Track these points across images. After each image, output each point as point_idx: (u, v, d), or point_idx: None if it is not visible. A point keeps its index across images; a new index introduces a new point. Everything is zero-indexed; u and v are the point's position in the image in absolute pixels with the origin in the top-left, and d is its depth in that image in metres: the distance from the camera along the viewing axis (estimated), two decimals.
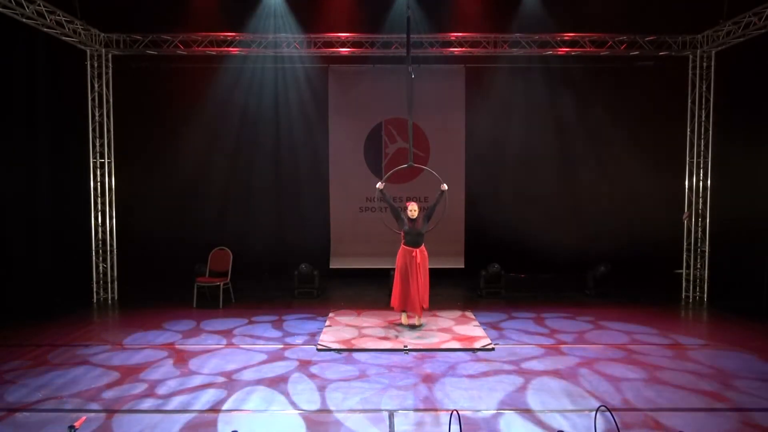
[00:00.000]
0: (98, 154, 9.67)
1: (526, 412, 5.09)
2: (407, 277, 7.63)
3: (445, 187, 7.70)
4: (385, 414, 5.05)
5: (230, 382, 5.80)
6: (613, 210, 11.06)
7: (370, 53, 9.92)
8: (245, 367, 6.26)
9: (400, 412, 5.09)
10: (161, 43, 9.63)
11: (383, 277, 9.90)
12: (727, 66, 9.54)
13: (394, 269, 7.97)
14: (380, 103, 11.14)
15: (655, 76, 10.55)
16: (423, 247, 7.72)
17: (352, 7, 10.16)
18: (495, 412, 5.10)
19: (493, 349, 6.87)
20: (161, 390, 5.58)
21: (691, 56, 9.77)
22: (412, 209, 7.66)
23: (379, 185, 7.81)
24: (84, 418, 4.84)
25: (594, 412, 4.60)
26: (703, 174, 9.81)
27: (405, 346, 6.95)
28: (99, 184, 9.74)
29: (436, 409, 5.15)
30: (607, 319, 8.37)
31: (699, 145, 9.80)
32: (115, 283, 9.86)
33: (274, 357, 6.63)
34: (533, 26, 9.76)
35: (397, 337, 7.39)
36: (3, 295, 8.49)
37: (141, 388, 5.64)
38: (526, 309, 9.00)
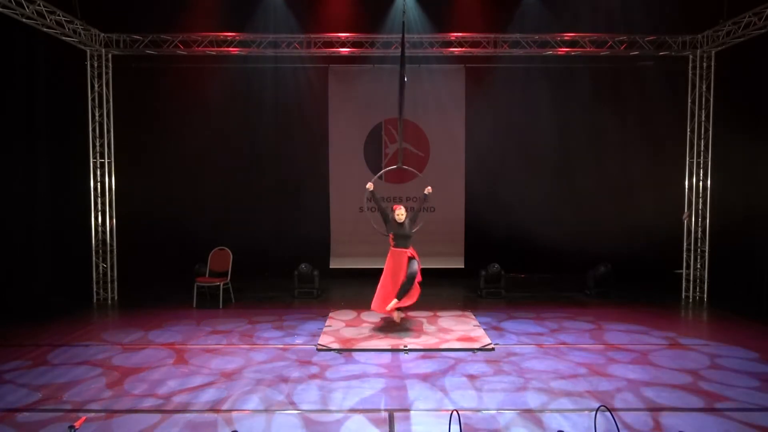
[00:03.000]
0: (98, 154, 9.67)
1: (526, 412, 5.09)
2: (390, 277, 7.56)
3: (429, 190, 7.73)
4: (385, 414, 5.05)
5: (230, 382, 5.80)
6: (613, 210, 11.05)
7: (370, 53, 9.91)
8: (245, 367, 6.26)
9: (400, 412, 5.09)
10: (161, 43, 9.62)
11: None
12: (727, 66, 9.54)
13: None
14: (380, 103, 11.12)
15: (655, 76, 10.54)
16: (412, 248, 7.67)
17: (352, 7, 10.17)
18: (495, 412, 5.10)
19: (493, 349, 6.87)
20: (161, 390, 5.58)
21: (691, 56, 9.77)
22: (400, 213, 7.57)
23: (369, 186, 7.83)
24: (84, 418, 4.84)
25: (594, 412, 4.60)
26: (703, 174, 9.81)
27: (405, 346, 6.95)
28: (99, 184, 9.73)
29: (436, 409, 5.15)
30: (607, 319, 8.37)
31: (699, 145, 9.79)
32: (115, 283, 9.86)
33: (274, 357, 6.63)
34: (533, 26, 9.77)
35: (397, 337, 7.39)
36: (3, 295, 8.50)
37: (141, 388, 5.64)
38: (526, 309, 9.00)
